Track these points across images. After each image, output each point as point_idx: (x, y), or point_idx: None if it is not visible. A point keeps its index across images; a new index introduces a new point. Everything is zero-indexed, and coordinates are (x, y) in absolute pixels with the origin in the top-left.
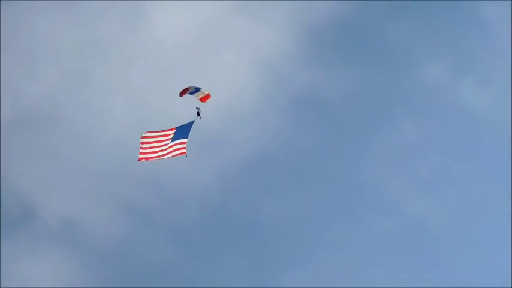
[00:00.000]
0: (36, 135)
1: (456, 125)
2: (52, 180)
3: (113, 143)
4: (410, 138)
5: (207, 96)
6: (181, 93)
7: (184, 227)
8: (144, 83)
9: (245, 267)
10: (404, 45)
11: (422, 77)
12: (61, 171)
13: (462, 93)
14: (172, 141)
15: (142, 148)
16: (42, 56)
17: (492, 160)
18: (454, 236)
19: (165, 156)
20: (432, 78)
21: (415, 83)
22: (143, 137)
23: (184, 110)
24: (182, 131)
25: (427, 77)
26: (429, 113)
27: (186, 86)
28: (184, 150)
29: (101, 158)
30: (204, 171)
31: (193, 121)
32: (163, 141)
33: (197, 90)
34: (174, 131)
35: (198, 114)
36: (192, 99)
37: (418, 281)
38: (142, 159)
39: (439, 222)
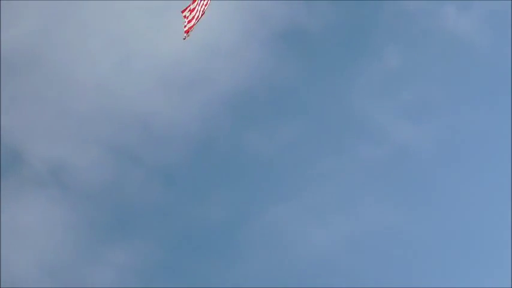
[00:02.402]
0: (17, 79)
1: (439, 50)
2: (36, 124)
3: (96, 84)
4: (394, 66)
5: None
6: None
7: (171, 165)
8: (123, 22)
9: (233, 203)
10: None
11: (403, 3)
12: (45, 115)
13: (443, 18)
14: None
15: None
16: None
17: (476, 84)
18: (443, 162)
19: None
20: (412, 4)
21: (395, 10)
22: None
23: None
24: None
25: (407, 3)
26: (411, 39)
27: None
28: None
29: (84, 99)
30: (188, 109)
31: None
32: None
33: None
34: None
35: None
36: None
37: (410, 209)
38: (189, 31)
39: (428, 149)
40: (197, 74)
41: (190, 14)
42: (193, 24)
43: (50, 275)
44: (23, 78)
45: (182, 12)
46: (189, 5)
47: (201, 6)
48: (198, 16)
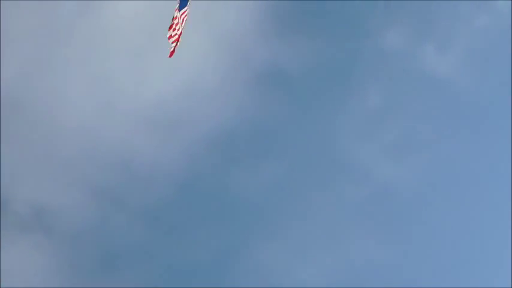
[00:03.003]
0: None
1: (419, 89)
2: (19, 167)
3: (78, 127)
4: (375, 105)
5: None
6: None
7: (155, 206)
8: (104, 65)
9: (218, 243)
10: (362, 14)
11: (383, 44)
12: (27, 158)
13: (423, 58)
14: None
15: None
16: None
17: (457, 122)
18: (426, 199)
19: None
20: (393, 44)
21: (376, 50)
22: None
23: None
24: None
25: (388, 43)
26: (392, 79)
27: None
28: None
29: (67, 142)
30: (171, 150)
31: None
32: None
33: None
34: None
35: None
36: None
37: (394, 247)
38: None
39: (411, 187)
40: (180, 115)
41: (173, 32)
42: (177, 43)
43: None
44: (5, 122)
45: (168, 38)
46: (171, 25)
47: (182, 21)
48: (180, 33)
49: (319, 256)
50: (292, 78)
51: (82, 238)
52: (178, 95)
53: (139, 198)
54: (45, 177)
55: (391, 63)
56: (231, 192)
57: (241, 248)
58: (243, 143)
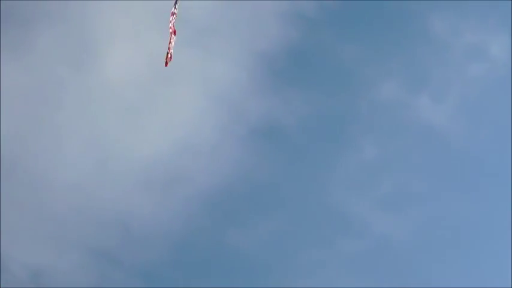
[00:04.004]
0: None
1: (415, 141)
2: (15, 229)
3: (74, 187)
4: (371, 158)
5: None
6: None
7: (152, 265)
8: (99, 124)
9: None
10: (356, 66)
11: (378, 95)
12: (23, 219)
13: (418, 109)
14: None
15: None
16: None
17: (453, 173)
18: (424, 252)
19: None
20: (387, 96)
21: (370, 103)
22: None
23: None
24: None
25: (382, 95)
26: (388, 130)
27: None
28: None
29: (63, 202)
30: (167, 208)
31: None
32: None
33: None
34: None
35: None
36: None
37: None
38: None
39: (408, 239)
40: (176, 173)
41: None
42: (170, 53)
43: None
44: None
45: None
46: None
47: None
48: (172, 42)
49: None
50: (288, 132)
51: None
52: (174, 152)
53: (136, 257)
54: (41, 238)
55: (386, 115)
56: (229, 250)
57: None
58: (239, 199)
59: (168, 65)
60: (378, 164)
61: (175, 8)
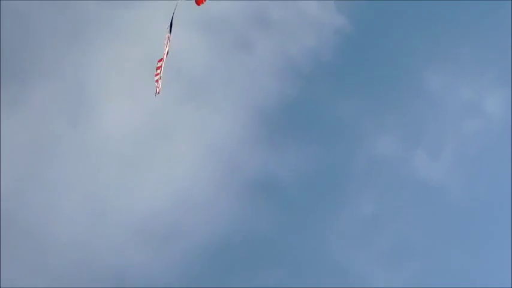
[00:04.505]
0: None
1: (412, 196)
2: (12, 282)
3: (71, 240)
4: (369, 213)
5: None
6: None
7: None
8: (96, 178)
9: None
10: (353, 121)
11: (374, 151)
12: (20, 273)
13: (415, 164)
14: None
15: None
16: None
17: (450, 228)
18: None
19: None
20: (384, 151)
21: (367, 158)
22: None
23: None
24: None
25: (379, 151)
26: (384, 186)
27: None
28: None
29: (60, 255)
30: (165, 261)
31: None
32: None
33: None
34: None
35: None
36: None
37: None
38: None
39: None
40: (172, 226)
41: (159, 72)
42: (159, 81)
43: None
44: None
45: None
46: (158, 68)
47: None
48: (162, 71)
49: None
50: (285, 186)
51: None
52: (170, 206)
53: None
54: None
55: (383, 170)
56: None
57: None
58: (237, 252)
59: (157, 94)
60: (375, 219)
61: (169, 33)
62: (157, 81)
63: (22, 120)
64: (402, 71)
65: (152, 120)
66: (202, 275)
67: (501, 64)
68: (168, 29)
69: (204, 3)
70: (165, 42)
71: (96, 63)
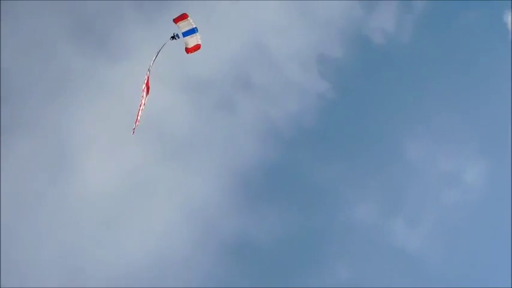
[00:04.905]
0: None
1: (389, 264)
2: None
3: None
4: (344, 280)
5: (196, 47)
6: (176, 20)
7: None
8: (74, 234)
9: None
10: (333, 187)
11: (353, 217)
12: None
13: (393, 232)
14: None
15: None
16: None
17: None
18: None
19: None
20: (362, 218)
21: (345, 224)
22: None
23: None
24: None
25: (357, 217)
26: (361, 253)
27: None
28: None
29: None
30: None
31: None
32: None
33: (193, 32)
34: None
35: (173, 37)
36: None
37: None
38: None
39: None
40: (148, 283)
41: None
42: (138, 120)
43: None
44: None
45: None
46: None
47: (143, 102)
48: (141, 111)
49: None
50: (262, 250)
51: None
52: (147, 264)
53: None
54: None
55: (362, 237)
56: None
57: None
58: None
59: (134, 132)
60: (351, 285)
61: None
62: (136, 119)
63: (2, 175)
64: (383, 138)
65: (132, 177)
66: None
67: (482, 135)
68: (151, 65)
69: (194, 52)
70: (145, 78)
71: (78, 119)
